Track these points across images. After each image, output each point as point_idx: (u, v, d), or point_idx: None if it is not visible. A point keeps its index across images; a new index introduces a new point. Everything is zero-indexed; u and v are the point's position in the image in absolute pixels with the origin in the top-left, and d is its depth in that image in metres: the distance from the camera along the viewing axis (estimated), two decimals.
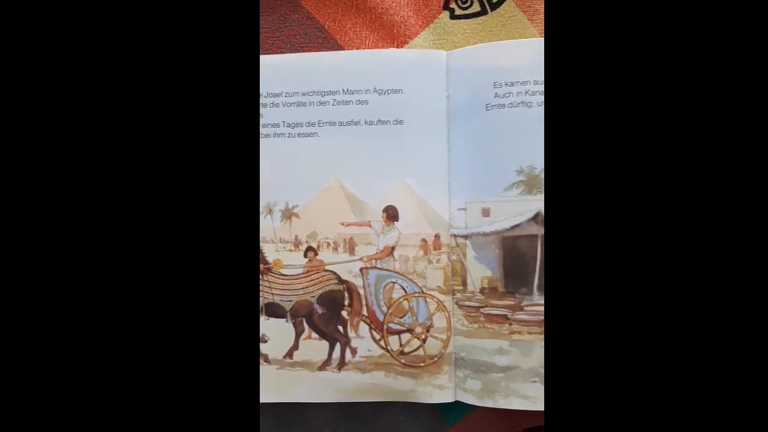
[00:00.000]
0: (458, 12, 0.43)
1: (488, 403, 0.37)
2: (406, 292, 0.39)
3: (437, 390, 0.38)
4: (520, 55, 0.37)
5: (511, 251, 0.37)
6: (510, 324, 0.37)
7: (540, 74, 0.36)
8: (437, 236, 0.39)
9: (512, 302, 0.37)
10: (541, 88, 0.37)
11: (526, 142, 0.37)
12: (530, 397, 0.36)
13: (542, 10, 0.42)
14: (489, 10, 0.42)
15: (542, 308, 0.36)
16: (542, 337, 0.36)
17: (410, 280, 0.39)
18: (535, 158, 0.36)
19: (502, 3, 0.42)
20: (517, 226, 0.37)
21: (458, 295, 0.38)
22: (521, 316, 0.37)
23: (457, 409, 0.41)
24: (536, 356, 0.36)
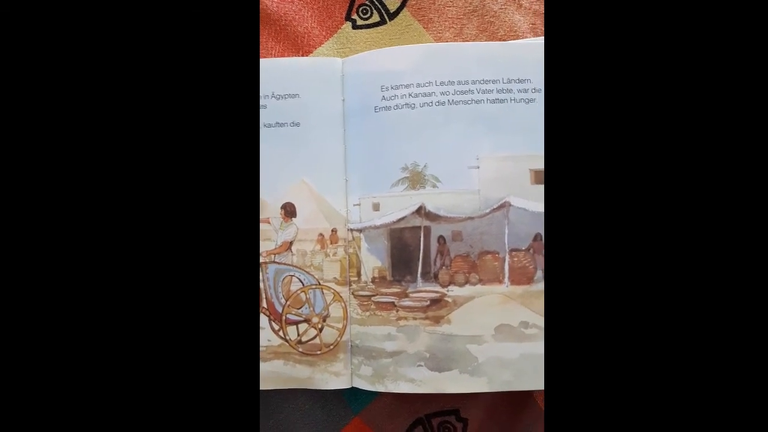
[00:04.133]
0: (360, 22, 0.46)
1: (379, 388, 0.39)
2: (303, 284, 0.41)
3: (333, 377, 0.40)
4: (404, 60, 0.40)
5: (398, 242, 0.40)
6: (397, 310, 0.39)
7: (421, 77, 0.39)
8: (334, 231, 0.41)
9: (399, 290, 0.39)
10: (423, 90, 0.39)
11: (410, 142, 0.39)
12: (416, 381, 0.38)
13: (435, 19, 0.45)
14: (388, 20, 0.45)
15: (425, 294, 0.39)
16: (426, 321, 0.38)
17: (307, 273, 0.41)
18: (418, 156, 0.39)
19: (399, 13, 0.45)
20: (402, 218, 0.39)
21: (354, 286, 0.40)
22: (406, 302, 0.39)
23: (361, 396, 0.43)
24: (421, 341, 0.38)
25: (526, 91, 0.39)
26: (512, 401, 0.43)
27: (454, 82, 0.39)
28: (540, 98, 0.39)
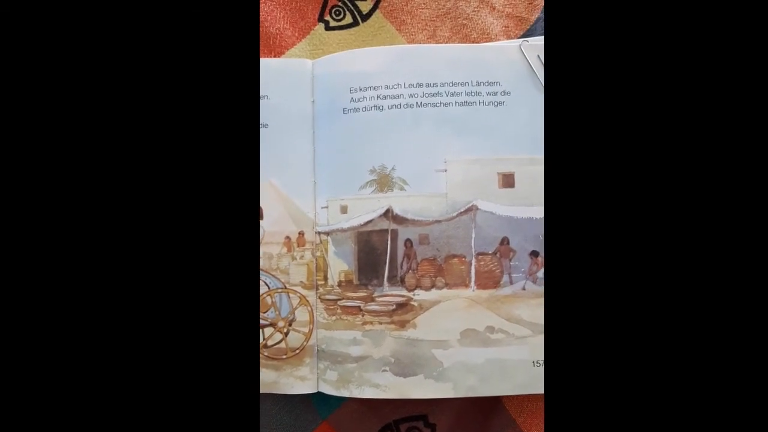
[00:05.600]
0: (332, 24, 0.45)
1: (344, 393, 0.38)
2: (269, 288, 0.40)
3: (299, 381, 0.39)
4: (372, 62, 0.39)
5: (365, 245, 0.39)
6: (363, 315, 0.38)
7: (389, 79, 0.39)
8: (301, 233, 0.40)
9: (365, 293, 0.39)
10: (391, 92, 0.39)
11: (378, 144, 0.39)
12: (381, 386, 0.38)
13: (408, 21, 0.44)
14: (360, 21, 0.45)
15: (391, 298, 0.38)
16: (392, 326, 0.38)
17: (273, 276, 0.40)
18: (386, 158, 0.39)
19: (372, 15, 0.45)
20: (370, 221, 0.39)
21: (321, 290, 0.40)
22: (372, 306, 0.38)
23: (329, 401, 0.42)
24: (386, 345, 0.38)
25: (494, 93, 0.39)
26: (481, 407, 0.42)
27: (422, 84, 0.39)
28: (509, 101, 0.39)
